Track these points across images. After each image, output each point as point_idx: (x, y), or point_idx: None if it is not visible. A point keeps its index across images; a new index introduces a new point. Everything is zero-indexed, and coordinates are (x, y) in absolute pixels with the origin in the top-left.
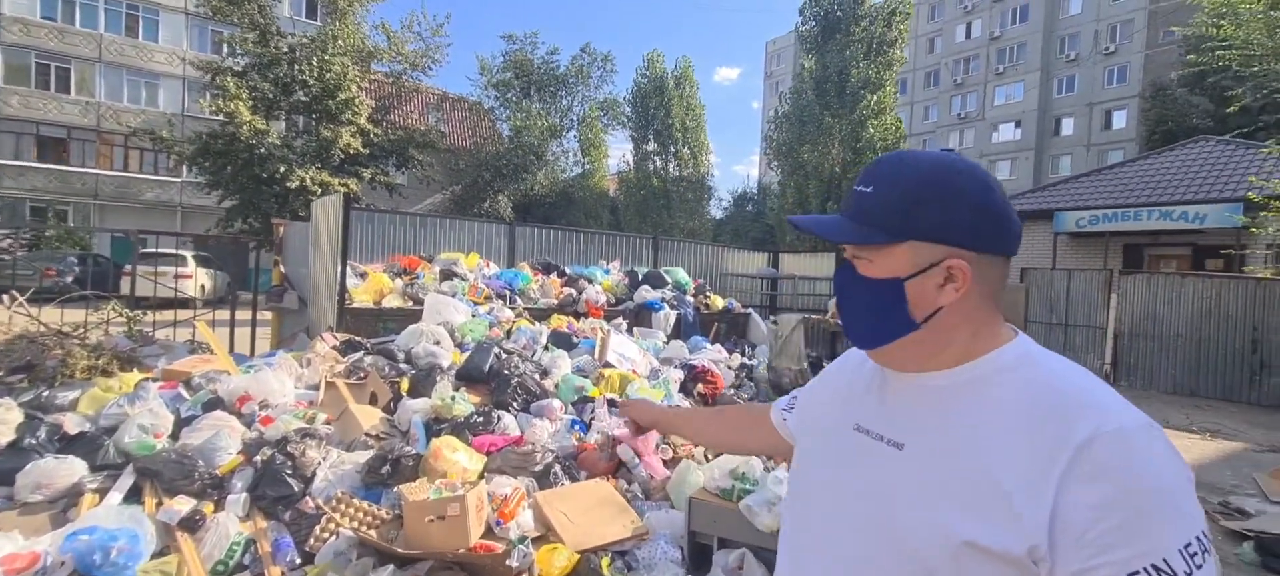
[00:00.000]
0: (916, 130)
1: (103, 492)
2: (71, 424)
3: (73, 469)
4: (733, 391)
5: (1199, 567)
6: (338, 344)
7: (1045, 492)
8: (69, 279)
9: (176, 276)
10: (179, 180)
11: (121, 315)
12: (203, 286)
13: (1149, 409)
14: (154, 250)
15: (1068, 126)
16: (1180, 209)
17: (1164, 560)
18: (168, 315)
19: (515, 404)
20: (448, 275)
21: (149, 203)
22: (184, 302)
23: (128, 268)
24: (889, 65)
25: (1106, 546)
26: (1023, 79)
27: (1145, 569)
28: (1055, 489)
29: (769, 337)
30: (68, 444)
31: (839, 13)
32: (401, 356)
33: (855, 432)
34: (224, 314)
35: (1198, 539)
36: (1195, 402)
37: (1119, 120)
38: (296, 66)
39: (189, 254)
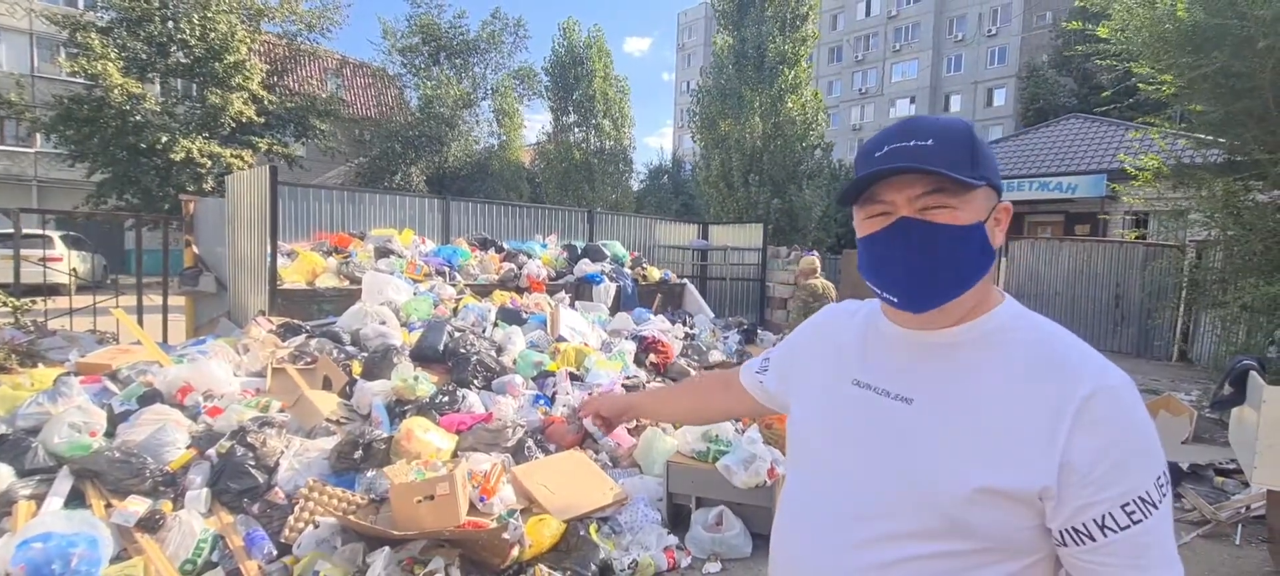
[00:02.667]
0: (825, 105)
1: (38, 499)
2: None
3: None
4: (681, 360)
5: (1165, 495)
6: (275, 328)
7: (1056, 440)
8: None
9: (45, 260)
10: (32, 150)
11: (4, 303)
12: (74, 270)
13: None
14: (9, 232)
15: (956, 103)
16: (1054, 180)
17: (1146, 492)
18: (47, 304)
19: (477, 382)
20: (383, 253)
21: None
22: (52, 289)
23: None
24: (803, 40)
25: (1106, 483)
26: (917, 57)
27: (1134, 499)
28: (1065, 436)
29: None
30: None
31: None
32: (347, 338)
33: (855, 387)
34: (106, 299)
35: (1164, 472)
36: None
37: (999, 98)
38: (173, 23)
39: (55, 234)
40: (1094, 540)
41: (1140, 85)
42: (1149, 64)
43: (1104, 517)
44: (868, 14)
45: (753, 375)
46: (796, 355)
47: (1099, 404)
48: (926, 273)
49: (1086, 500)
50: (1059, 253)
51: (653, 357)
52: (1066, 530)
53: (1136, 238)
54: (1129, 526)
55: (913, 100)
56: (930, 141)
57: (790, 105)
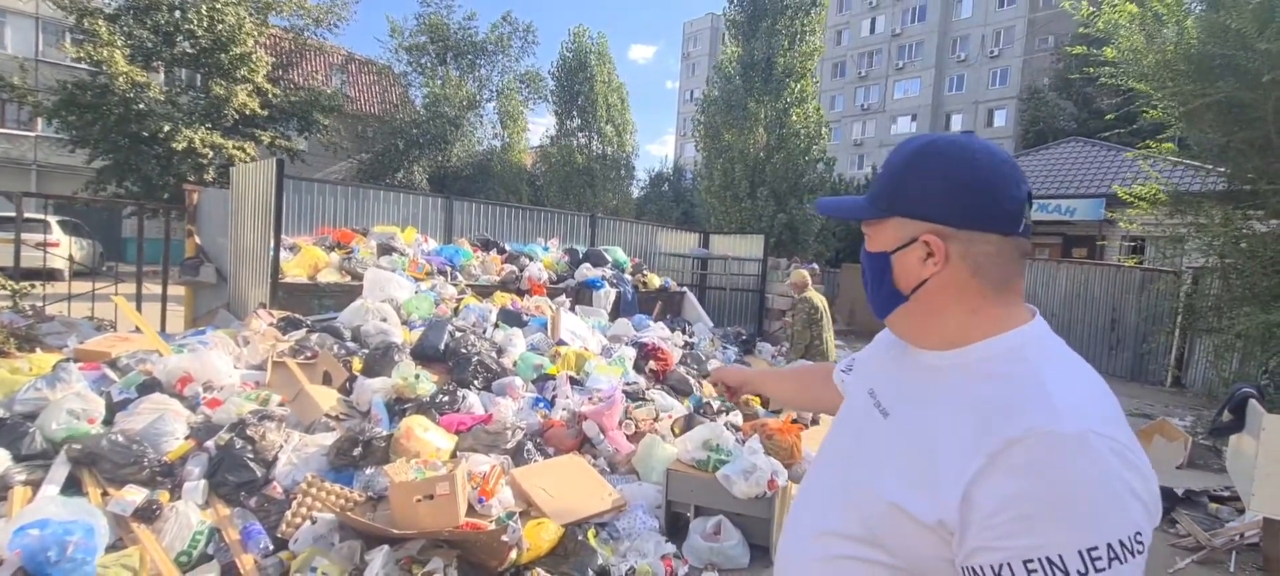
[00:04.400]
0: (826, 118)
1: (34, 485)
2: None
3: None
4: (681, 368)
5: (1099, 571)
6: (276, 321)
7: (964, 474)
8: None
9: (45, 245)
10: (33, 134)
11: (3, 286)
12: (71, 256)
13: None
14: (8, 214)
15: (957, 122)
16: (1053, 202)
17: (1059, 556)
18: (45, 289)
19: (477, 383)
20: (386, 250)
21: None
22: (49, 274)
23: None
24: (810, 54)
25: (1008, 533)
26: (919, 76)
27: (1040, 559)
28: (974, 473)
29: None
30: None
31: (766, 2)
32: (348, 334)
33: (867, 396)
34: (105, 287)
35: (1110, 548)
36: None
37: (1000, 119)
38: (180, 13)
39: (53, 219)
40: None
41: (1144, 111)
42: (1152, 88)
43: (1001, 568)
44: (872, 31)
45: (840, 374)
46: (865, 360)
47: (1025, 449)
48: (864, 286)
49: (984, 543)
50: (1056, 275)
51: (652, 364)
52: (965, 568)
53: (1135, 264)
54: None
55: (914, 118)
56: (881, 168)
57: (795, 118)
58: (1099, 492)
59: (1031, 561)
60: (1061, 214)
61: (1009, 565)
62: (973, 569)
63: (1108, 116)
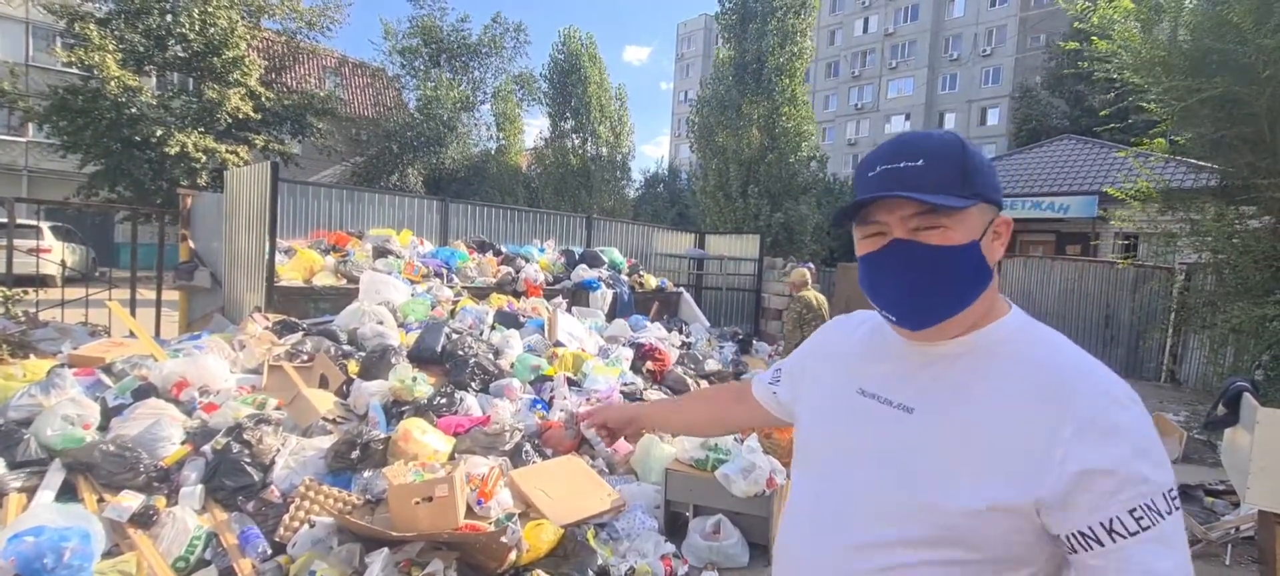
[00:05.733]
0: (817, 118)
1: (29, 491)
2: None
3: None
4: (678, 368)
5: (1177, 510)
6: (271, 325)
7: (1055, 447)
8: None
9: (37, 250)
10: (24, 140)
11: None
12: (63, 262)
13: None
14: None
15: (950, 121)
16: (1048, 199)
17: (1152, 500)
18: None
19: (474, 384)
20: (382, 252)
21: None
22: (41, 280)
23: None
24: (800, 54)
25: (1109, 490)
26: (913, 75)
27: (1142, 506)
28: (1067, 442)
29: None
30: None
31: (755, 4)
32: (344, 337)
33: (860, 397)
34: (98, 292)
35: (1173, 488)
36: None
37: (993, 117)
38: (172, 16)
39: (45, 225)
40: (1101, 544)
41: (1141, 104)
42: (1146, 83)
43: (1113, 521)
44: (865, 31)
45: (765, 387)
46: (806, 365)
47: (1101, 415)
48: (922, 293)
49: (1090, 505)
50: (1051, 272)
51: (650, 365)
52: (1072, 534)
53: (1126, 263)
54: (1136, 532)
55: (908, 117)
56: (920, 161)
57: (786, 118)
58: (1157, 442)
59: (1135, 509)
60: (1055, 211)
61: (1118, 519)
62: (1080, 532)
63: (1102, 113)
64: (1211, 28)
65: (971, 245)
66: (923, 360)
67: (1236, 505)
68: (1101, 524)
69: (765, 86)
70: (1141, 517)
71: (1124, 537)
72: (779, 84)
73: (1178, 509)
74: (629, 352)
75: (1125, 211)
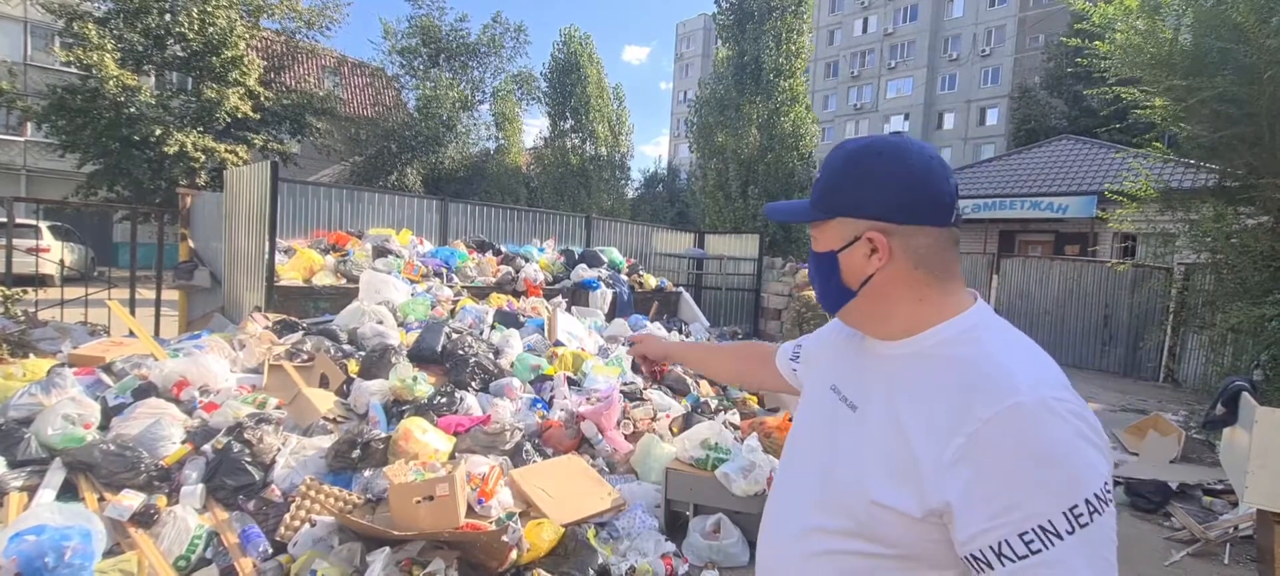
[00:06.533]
0: (818, 118)
1: (30, 490)
2: None
3: None
4: (677, 368)
5: (1084, 526)
6: (271, 324)
7: (944, 460)
8: None
9: (36, 250)
10: (23, 139)
11: None
12: (62, 261)
13: None
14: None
15: (949, 121)
16: (1047, 200)
17: (1049, 521)
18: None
19: (474, 384)
20: (381, 252)
21: None
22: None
23: None
24: (798, 54)
25: (998, 511)
26: (912, 75)
27: (1032, 528)
28: (953, 457)
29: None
30: None
31: (753, 4)
32: (344, 337)
33: (830, 392)
34: (98, 292)
35: (1087, 502)
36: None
37: (992, 117)
38: (171, 16)
39: (44, 224)
40: (991, 569)
41: (1137, 110)
42: (1145, 86)
43: (1001, 544)
44: (864, 31)
45: (787, 363)
46: (814, 353)
47: (999, 426)
48: (814, 285)
49: (981, 526)
50: (1049, 272)
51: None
52: (966, 556)
53: (1124, 267)
54: (1026, 556)
55: (907, 117)
56: (820, 174)
57: (786, 119)
58: (1069, 453)
59: (1026, 533)
60: (1053, 211)
61: (1006, 542)
62: (972, 555)
63: (1103, 114)
64: (1214, 27)
65: (829, 255)
66: (876, 360)
67: (1235, 504)
68: (991, 547)
69: (764, 86)
70: (1032, 541)
71: (1012, 563)
72: (778, 84)
73: (1093, 520)
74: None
75: (1124, 211)
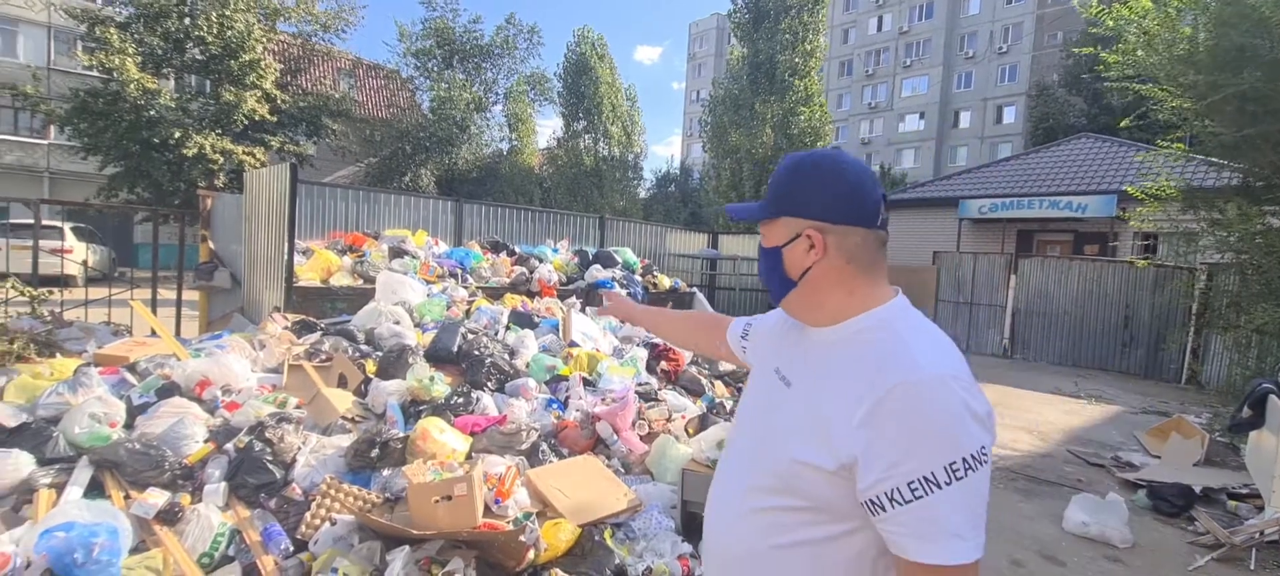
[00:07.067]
0: (832, 117)
1: (58, 488)
2: (7, 415)
3: (19, 463)
4: (692, 367)
5: (960, 479)
6: (290, 325)
7: (853, 422)
8: None
9: (60, 251)
10: (46, 142)
11: (21, 293)
12: (85, 262)
13: (1042, 378)
14: (24, 221)
15: (965, 119)
16: (1066, 199)
17: (931, 473)
18: (62, 295)
19: (490, 384)
20: (397, 253)
21: (8, 167)
22: (64, 280)
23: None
24: (812, 53)
25: (893, 463)
26: (927, 73)
27: (918, 478)
28: (861, 419)
29: None
30: (8, 437)
31: (768, 3)
32: (361, 337)
33: (773, 373)
34: (121, 292)
35: (965, 460)
36: (1079, 371)
37: (1009, 115)
38: (190, 20)
39: (66, 226)
40: (885, 510)
41: (1154, 111)
42: (1165, 86)
43: (893, 491)
44: (879, 29)
45: (738, 338)
46: (761, 336)
47: (895, 396)
48: (763, 277)
49: (878, 476)
50: (1068, 272)
51: (664, 365)
52: (865, 502)
53: (1145, 264)
54: (911, 500)
55: (922, 115)
56: (771, 181)
57: (802, 118)
58: (953, 420)
59: (913, 482)
60: (1072, 210)
61: (897, 488)
62: (870, 500)
63: (1121, 122)
64: (1237, 22)
65: (774, 249)
66: (810, 344)
67: (1261, 509)
68: (885, 493)
69: (779, 86)
70: (917, 488)
71: (901, 505)
72: (792, 84)
73: (961, 478)
74: (643, 353)
75: (1145, 210)
